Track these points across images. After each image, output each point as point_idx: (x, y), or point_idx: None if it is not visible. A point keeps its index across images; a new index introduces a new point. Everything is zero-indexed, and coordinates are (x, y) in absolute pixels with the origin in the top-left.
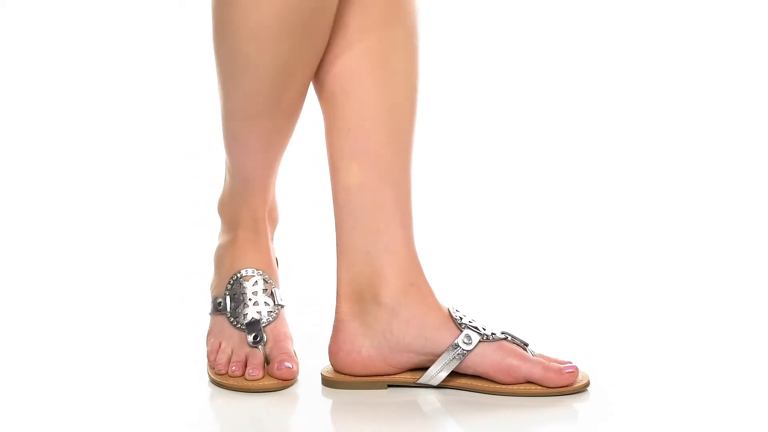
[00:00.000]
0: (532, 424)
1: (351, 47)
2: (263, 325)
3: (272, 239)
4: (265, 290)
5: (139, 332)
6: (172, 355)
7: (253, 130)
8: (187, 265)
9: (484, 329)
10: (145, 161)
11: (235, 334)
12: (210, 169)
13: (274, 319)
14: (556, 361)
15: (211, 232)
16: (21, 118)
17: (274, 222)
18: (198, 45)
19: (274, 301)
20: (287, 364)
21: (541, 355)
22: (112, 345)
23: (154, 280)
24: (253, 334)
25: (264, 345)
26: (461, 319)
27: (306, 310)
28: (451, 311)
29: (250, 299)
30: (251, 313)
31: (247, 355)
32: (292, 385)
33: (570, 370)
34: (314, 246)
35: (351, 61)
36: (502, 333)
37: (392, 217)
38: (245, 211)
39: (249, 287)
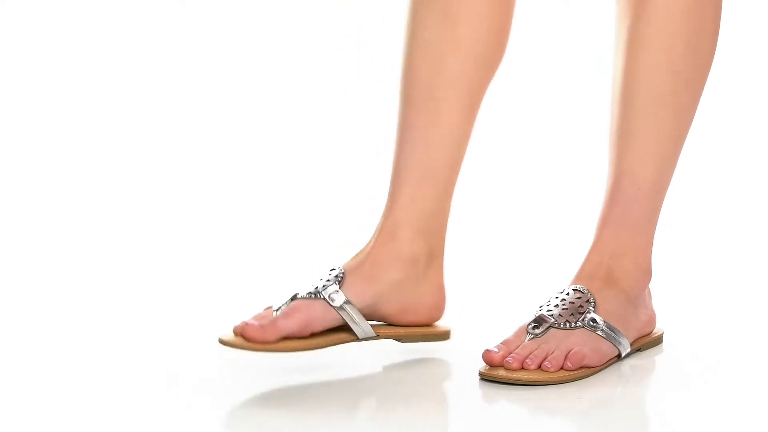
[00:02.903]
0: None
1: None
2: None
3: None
4: (330, 273)
5: (138, 333)
6: (171, 355)
7: (442, 115)
8: (187, 265)
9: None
10: (146, 161)
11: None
12: (210, 168)
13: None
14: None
15: (210, 232)
16: (21, 118)
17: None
18: (198, 44)
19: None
20: (254, 323)
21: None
22: (111, 345)
23: (154, 280)
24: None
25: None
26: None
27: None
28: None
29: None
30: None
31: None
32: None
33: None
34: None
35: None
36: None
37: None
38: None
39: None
